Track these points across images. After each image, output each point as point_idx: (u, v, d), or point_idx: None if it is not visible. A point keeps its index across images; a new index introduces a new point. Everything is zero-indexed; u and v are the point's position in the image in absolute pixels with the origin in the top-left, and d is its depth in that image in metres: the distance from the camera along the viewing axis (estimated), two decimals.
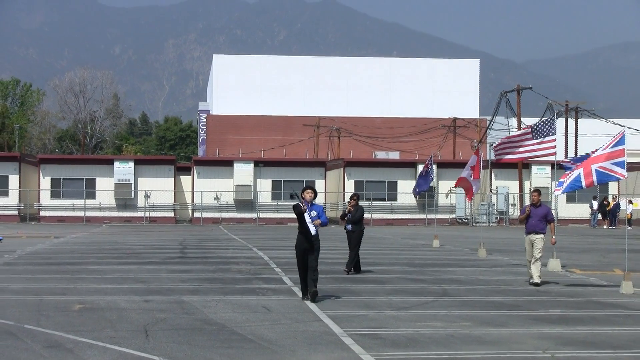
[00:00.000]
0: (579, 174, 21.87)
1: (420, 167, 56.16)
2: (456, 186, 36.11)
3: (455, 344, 13.75)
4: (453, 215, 66.77)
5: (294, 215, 18.41)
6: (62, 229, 52.71)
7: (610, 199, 66.26)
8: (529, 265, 22.49)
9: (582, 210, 66.74)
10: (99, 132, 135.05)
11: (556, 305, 18.51)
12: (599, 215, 65.63)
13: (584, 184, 21.87)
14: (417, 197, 45.51)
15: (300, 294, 19.04)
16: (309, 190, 18.51)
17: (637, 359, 12.66)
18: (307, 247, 18.17)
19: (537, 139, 28.21)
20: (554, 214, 23.21)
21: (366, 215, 63.82)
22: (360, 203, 25.81)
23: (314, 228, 18.07)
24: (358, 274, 24.33)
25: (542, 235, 22.42)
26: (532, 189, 23.58)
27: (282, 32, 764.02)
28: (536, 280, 22.05)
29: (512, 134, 35.35)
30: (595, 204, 65.05)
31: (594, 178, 21.65)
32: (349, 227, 24.91)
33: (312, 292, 18.18)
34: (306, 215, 18.05)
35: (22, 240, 39.95)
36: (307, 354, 12.74)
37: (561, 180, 22.53)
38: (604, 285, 22.63)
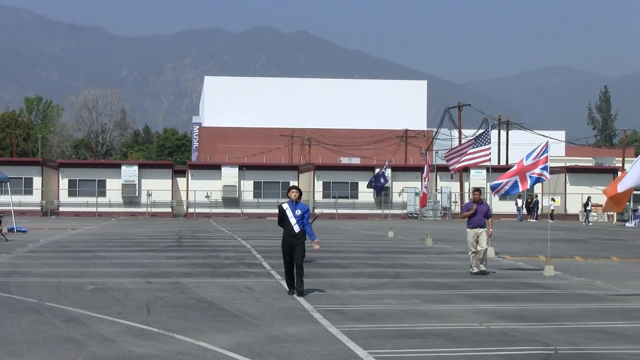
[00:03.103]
0: (516, 180, 21.75)
1: (377, 171, 56.29)
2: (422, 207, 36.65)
3: (406, 318, 13.74)
4: (405, 211, 66.77)
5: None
6: (77, 222, 52.41)
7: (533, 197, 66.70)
8: (472, 256, 21.16)
9: (512, 207, 66.99)
10: (108, 141, 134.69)
11: (491, 286, 18.56)
12: (524, 210, 66.06)
13: (520, 189, 21.74)
14: (374, 191, 45.95)
15: (283, 283, 18.93)
16: (294, 190, 16.42)
17: (556, 330, 12.71)
18: (292, 244, 16.01)
19: (475, 147, 28.47)
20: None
21: (332, 211, 64.47)
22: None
23: (297, 227, 15.98)
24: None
25: (486, 229, 21.32)
26: (473, 188, 23.17)
27: (262, 58, 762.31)
28: (483, 269, 21.04)
29: (454, 145, 35.63)
30: (520, 202, 65.48)
31: (528, 182, 21.60)
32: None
33: (299, 292, 16.11)
34: (290, 214, 16.08)
35: (43, 231, 39.68)
36: (283, 326, 12.70)
37: (497, 181, 22.13)
38: (530, 269, 22.70)
